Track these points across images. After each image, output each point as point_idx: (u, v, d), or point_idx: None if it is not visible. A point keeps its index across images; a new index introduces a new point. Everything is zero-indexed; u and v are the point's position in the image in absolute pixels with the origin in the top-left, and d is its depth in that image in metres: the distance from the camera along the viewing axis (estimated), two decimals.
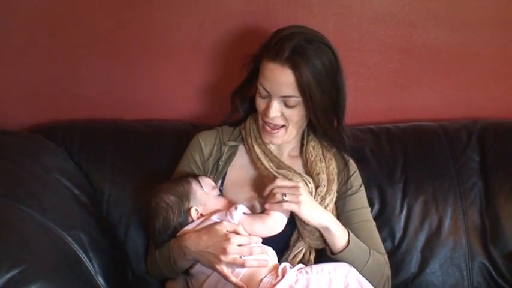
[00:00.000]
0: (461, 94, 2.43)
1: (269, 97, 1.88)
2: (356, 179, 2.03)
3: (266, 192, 1.85)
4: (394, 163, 2.24)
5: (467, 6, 2.34)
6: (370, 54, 2.35)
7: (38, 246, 1.70)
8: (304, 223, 1.84)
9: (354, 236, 1.88)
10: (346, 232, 1.87)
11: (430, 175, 2.22)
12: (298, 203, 1.79)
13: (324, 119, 1.91)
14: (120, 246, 2.08)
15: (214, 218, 1.82)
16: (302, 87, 1.82)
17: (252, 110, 2.04)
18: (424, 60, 2.38)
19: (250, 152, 2.00)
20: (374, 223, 2.02)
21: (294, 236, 1.90)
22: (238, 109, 2.06)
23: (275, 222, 1.80)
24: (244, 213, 1.82)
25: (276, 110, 1.87)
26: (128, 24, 2.27)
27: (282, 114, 1.89)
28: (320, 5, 2.28)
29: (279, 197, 1.81)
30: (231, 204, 1.88)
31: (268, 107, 1.88)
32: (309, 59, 1.83)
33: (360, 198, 2.01)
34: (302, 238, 1.88)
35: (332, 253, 1.87)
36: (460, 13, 2.34)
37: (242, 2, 2.26)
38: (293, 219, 1.87)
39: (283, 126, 1.92)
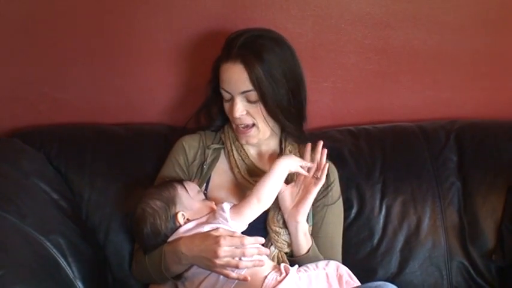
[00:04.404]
0: (439, 94, 2.44)
1: (232, 98, 1.91)
2: (335, 190, 2.04)
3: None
4: (373, 164, 2.24)
5: (444, 7, 2.35)
6: (348, 56, 2.35)
7: (16, 252, 1.69)
8: (276, 225, 1.89)
9: (315, 247, 1.92)
10: (311, 241, 1.92)
11: (409, 175, 2.23)
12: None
13: (279, 114, 1.92)
14: (99, 250, 2.07)
15: (207, 227, 1.79)
16: (253, 81, 1.85)
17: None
18: (402, 61, 2.38)
19: (229, 156, 2.01)
20: (340, 240, 2.04)
21: (266, 242, 1.89)
22: (209, 128, 2.08)
23: (259, 199, 1.81)
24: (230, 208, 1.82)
25: (240, 108, 1.90)
26: (107, 28, 2.27)
27: (248, 112, 1.91)
28: (298, 7, 2.28)
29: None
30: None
31: (232, 107, 1.90)
32: (258, 53, 1.87)
33: (332, 210, 2.01)
34: (272, 243, 1.90)
35: (291, 256, 1.91)
36: (437, 14, 2.35)
37: (220, 4, 2.26)
38: (265, 227, 1.91)
39: (254, 125, 1.93)
